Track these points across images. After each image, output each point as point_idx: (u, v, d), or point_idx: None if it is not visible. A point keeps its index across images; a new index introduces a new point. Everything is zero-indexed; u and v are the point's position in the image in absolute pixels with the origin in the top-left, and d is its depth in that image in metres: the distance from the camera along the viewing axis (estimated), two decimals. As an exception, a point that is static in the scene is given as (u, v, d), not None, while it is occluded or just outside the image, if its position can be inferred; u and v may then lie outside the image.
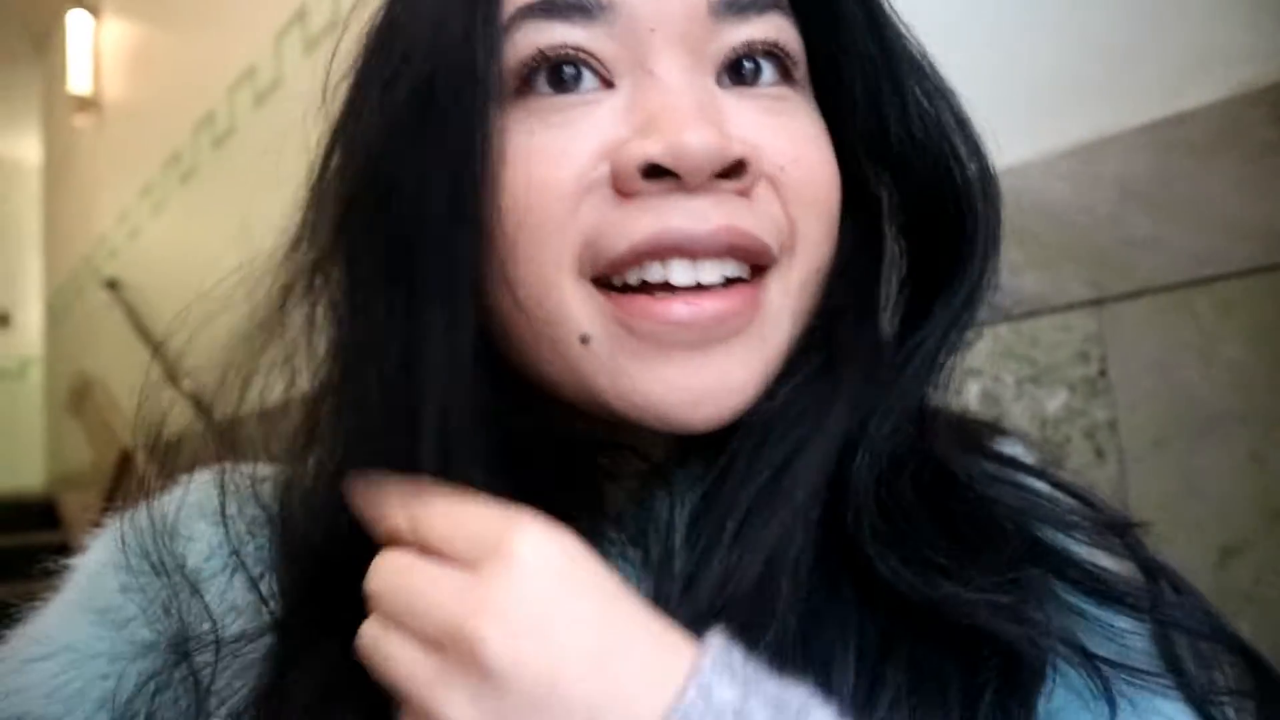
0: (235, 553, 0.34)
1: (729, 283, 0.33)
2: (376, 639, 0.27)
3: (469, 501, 0.28)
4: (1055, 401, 0.82)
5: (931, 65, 0.38)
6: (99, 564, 0.35)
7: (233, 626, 0.33)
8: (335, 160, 0.36)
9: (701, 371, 0.32)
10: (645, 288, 0.32)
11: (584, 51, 0.33)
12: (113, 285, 3.53)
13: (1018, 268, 0.84)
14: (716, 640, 0.26)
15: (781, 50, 0.35)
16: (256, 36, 2.25)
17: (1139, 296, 0.77)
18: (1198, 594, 0.38)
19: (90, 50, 3.94)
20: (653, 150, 0.31)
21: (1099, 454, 0.79)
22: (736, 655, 0.26)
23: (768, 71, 0.35)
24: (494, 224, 0.31)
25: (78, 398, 3.79)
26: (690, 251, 0.31)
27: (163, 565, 0.34)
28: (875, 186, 0.37)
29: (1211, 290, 0.73)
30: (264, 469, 0.38)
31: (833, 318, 0.37)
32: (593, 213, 0.32)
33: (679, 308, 0.31)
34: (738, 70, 0.34)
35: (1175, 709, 0.35)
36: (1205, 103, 0.73)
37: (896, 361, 0.36)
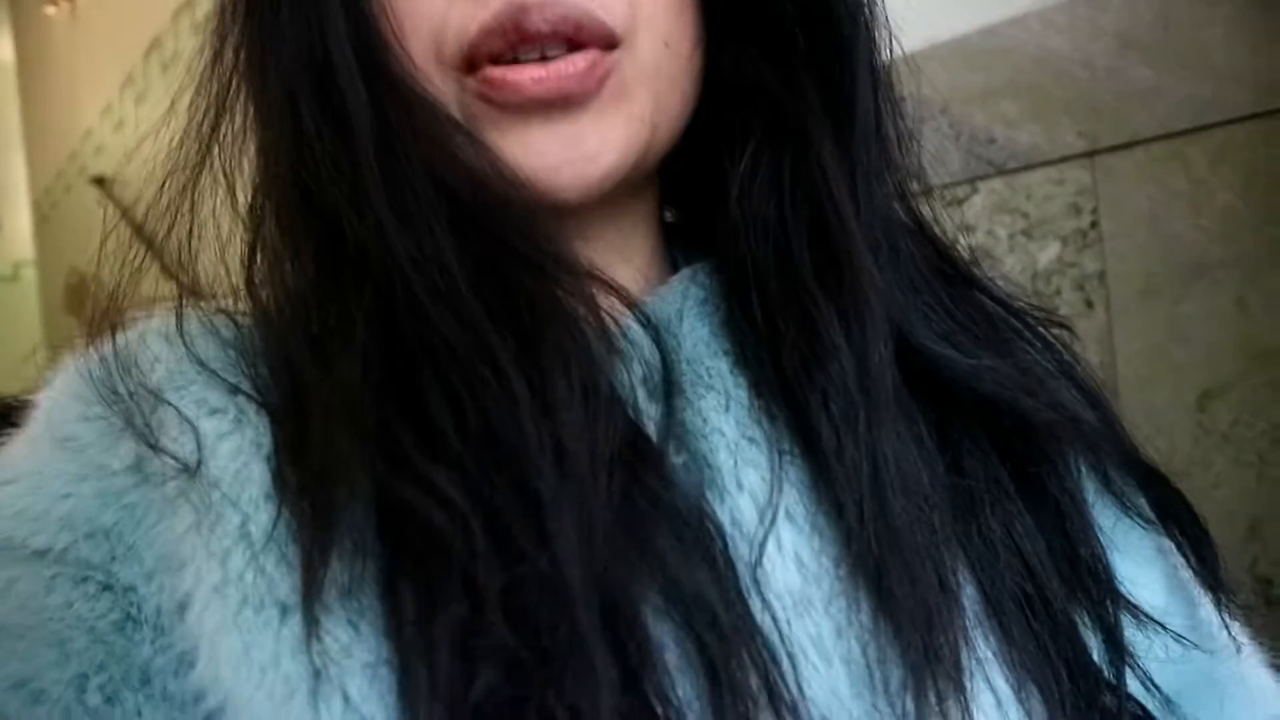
0: (201, 364, 0.34)
1: (576, 50, 0.34)
2: None
3: None
4: (1047, 254, 0.83)
5: None
6: (59, 396, 0.35)
7: (217, 424, 0.33)
8: None
9: (556, 138, 0.33)
10: (499, 64, 0.34)
11: None
12: (100, 181, 3.48)
13: (1013, 120, 0.84)
14: None
15: None
16: (232, -88, 2.17)
17: (1132, 147, 0.77)
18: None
19: (57, -65, 3.78)
20: None
21: (1088, 304, 0.80)
22: None
23: None
24: (364, 17, 0.33)
25: (75, 295, 3.79)
26: (529, 28, 0.33)
27: (127, 389, 0.34)
28: None
29: (1204, 139, 0.73)
30: (222, 301, 0.38)
31: (757, 89, 0.37)
32: (449, 5, 0.33)
33: (528, 81, 0.33)
34: None
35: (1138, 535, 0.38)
36: (1209, -56, 0.72)
37: (837, 110, 0.37)
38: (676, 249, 0.42)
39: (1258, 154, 0.71)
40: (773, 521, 0.32)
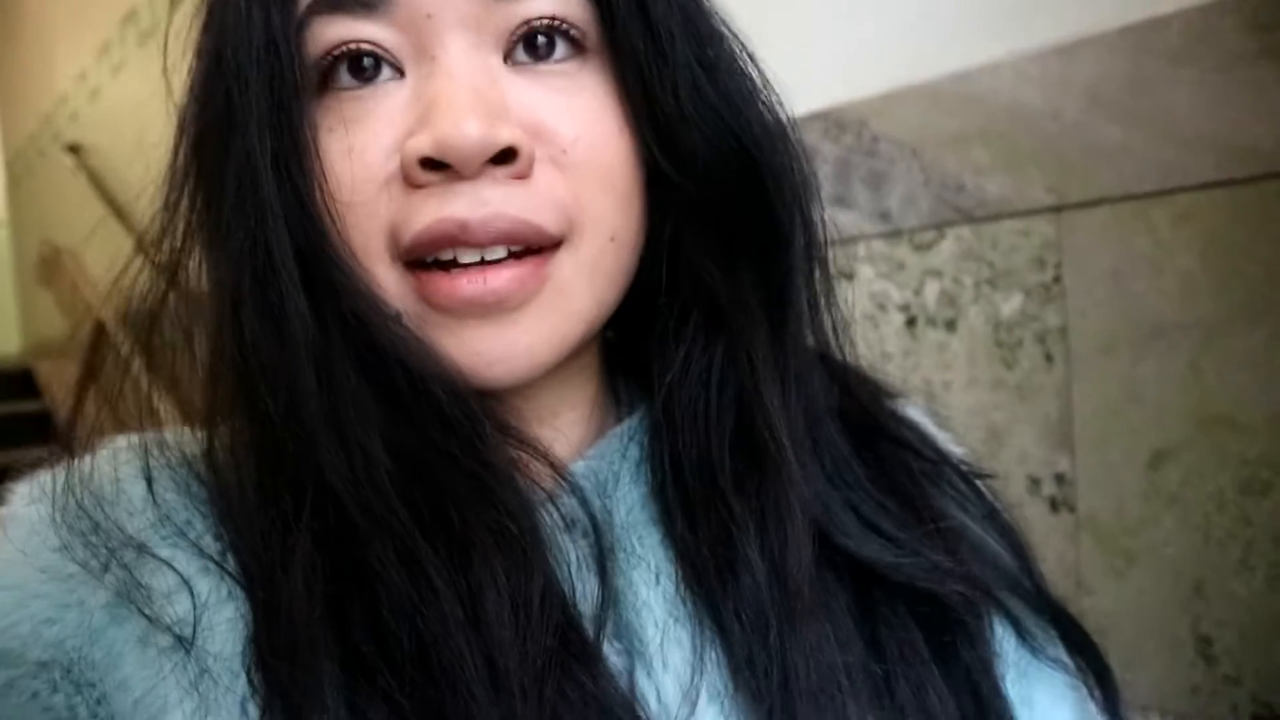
0: (180, 528, 0.34)
1: (517, 255, 0.34)
2: None
3: None
4: (1010, 305, 0.84)
5: (720, 34, 0.38)
6: (35, 521, 0.35)
7: (214, 586, 0.33)
8: (186, 131, 0.36)
9: (492, 338, 0.34)
10: (442, 265, 0.34)
11: (371, 43, 0.34)
12: (75, 150, 3.43)
13: (983, 169, 0.84)
14: None
15: (565, 23, 0.35)
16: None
17: (1097, 205, 0.77)
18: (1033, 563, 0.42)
19: (33, -109, 3.68)
20: (423, 146, 0.33)
21: (1048, 358, 0.81)
22: None
23: (560, 45, 0.36)
24: (308, 215, 0.33)
25: (48, 267, 3.74)
26: (468, 240, 0.33)
27: (99, 531, 0.34)
28: (650, 150, 0.37)
29: (1169, 202, 0.73)
30: (188, 440, 0.38)
31: (696, 277, 0.38)
32: (391, 203, 0.34)
33: (466, 285, 0.33)
34: (532, 45, 0.35)
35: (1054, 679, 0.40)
36: (1180, 8, 0.72)
37: (772, 308, 0.37)
38: (618, 377, 0.42)
39: (1218, 221, 0.71)
40: (694, 703, 0.33)
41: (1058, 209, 0.80)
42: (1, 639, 0.32)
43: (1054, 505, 0.81)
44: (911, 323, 0.91)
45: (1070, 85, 0.78)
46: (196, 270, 0.37)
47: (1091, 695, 0.40)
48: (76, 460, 0.36)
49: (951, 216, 0.87)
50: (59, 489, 0.36)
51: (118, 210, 2.91)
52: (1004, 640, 0.39)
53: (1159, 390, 0.75)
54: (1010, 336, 0.84)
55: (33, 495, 0.36)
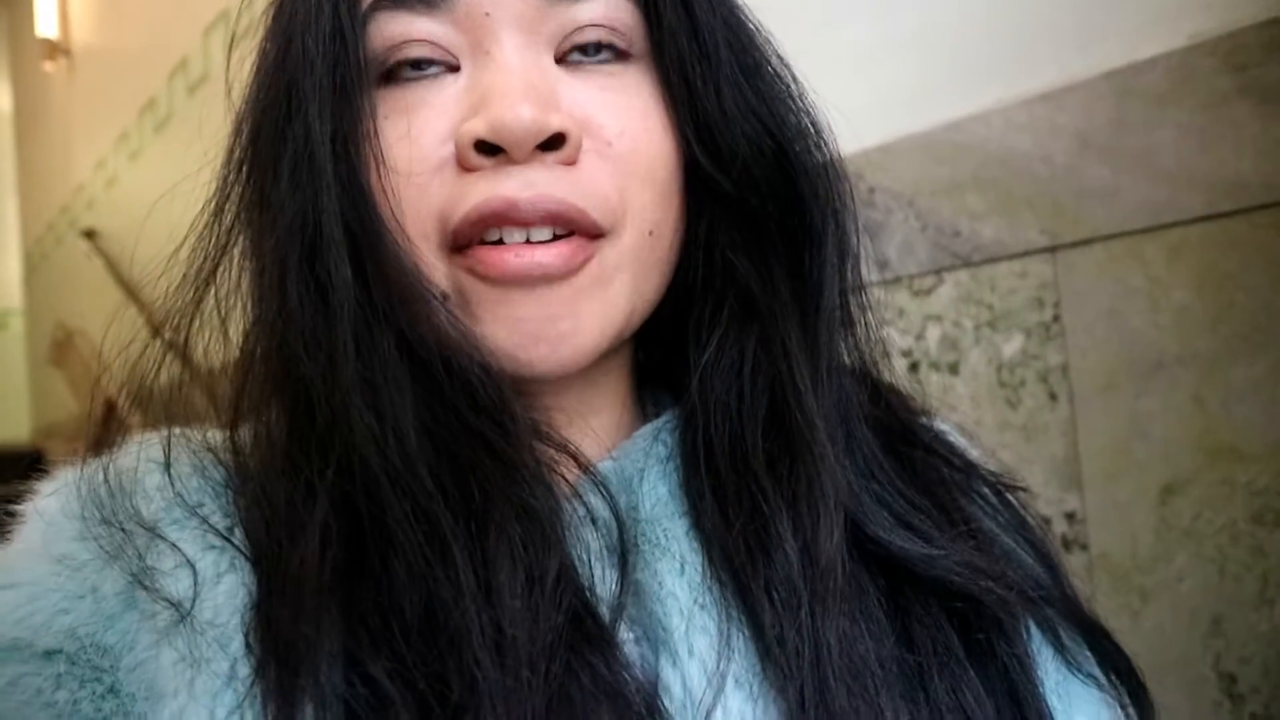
0: (192, 509, 0.35)
1: (561, 238, 0.35)
2: None
3: None
4: (1012, 346, 0.84)
5: (759, 42, 0.40)
6: (56, 512, 0.37)
7: (215, 560, 0.34)
8: (244, 128, 0.38)
9: (535, 311, 0.35)
10: (488, 244, 0.35)
11: (430, 42, 0.36)
12: (90, 235, 3.50)
13: (978, 214, 0.86)
14: None
15: (613, 27, 0.37)
16: (228, -20, 2.22)
17: (1091, 244, 0.79)
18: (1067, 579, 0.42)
19: (58, -7, 3.85)
20: (479, 128, 0.34)
21: (1052, 397, 0.82)
22: None
23: (606, 48, 0.38)
24: (361, 192, 0.35)
25: (60, 349, 3.78)
26: (516, 219, 0.34)
27: (116, 517, 0.35)
28: (694, 152, 0.38)
29: (1161, 238, 0.75)
30: (214, 433, 0.39)
31: (731, 270, 0.39)
32: (444, 187, 0.35)
33: (514, 259, 0.34)
34: (582, 46, 0.37)
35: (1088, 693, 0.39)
36: (1161, 52, 0.74)
37: (804, 300, 0.38)
38: (646, 390, 0.43)
39: (1210, 255, 0.72)
40: (720, 689, 0.33)
41: (1052, 249, 0.81)
42: (15, 630, 0.33)
43: (1066, 544, 0.80)
44: (914, 368, 0.92)
45: (1059, 130, 0.81)
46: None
47: (1126, 714, 0.39)
48: (101, 452, 0.37)
49: (949, 262, 0.88)
50: (80, 479, 0.37)
51: (131, 292, 2.96)
52: (1041, 649, 0.38)
53: (1164, 424, 0.75)
54: (1013, 377, 0.84)
55: (54, 488, 0.38)
